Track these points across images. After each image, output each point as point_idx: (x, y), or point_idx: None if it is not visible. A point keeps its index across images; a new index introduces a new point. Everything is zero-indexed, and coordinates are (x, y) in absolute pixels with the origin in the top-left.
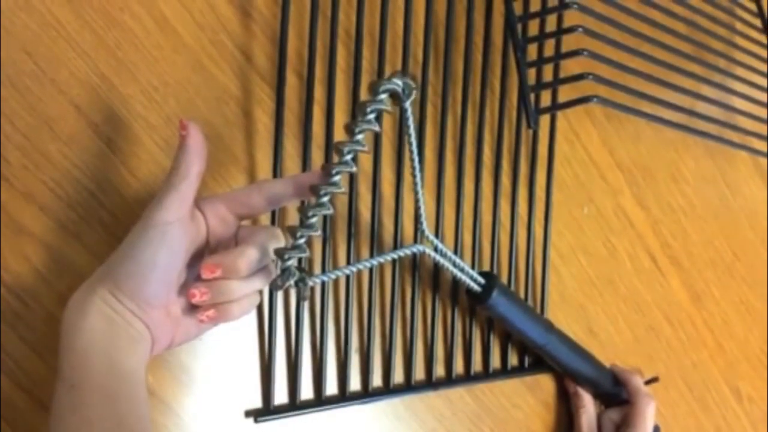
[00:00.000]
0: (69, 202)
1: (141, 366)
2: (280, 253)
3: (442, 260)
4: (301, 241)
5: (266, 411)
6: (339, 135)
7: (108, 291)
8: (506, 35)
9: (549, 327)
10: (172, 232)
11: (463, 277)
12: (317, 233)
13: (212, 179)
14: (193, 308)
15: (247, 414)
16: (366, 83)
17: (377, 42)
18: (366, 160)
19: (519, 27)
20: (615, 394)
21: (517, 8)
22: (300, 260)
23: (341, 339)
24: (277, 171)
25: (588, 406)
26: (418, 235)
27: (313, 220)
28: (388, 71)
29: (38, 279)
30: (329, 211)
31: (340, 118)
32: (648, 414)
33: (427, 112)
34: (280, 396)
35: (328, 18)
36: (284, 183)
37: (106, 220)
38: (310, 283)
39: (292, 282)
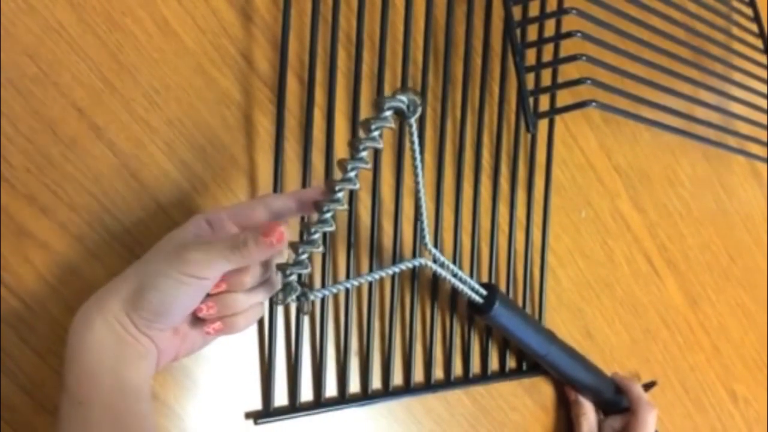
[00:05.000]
0: (71, 204)
1: (147, 381)
2: (282, 268)
3: (443, 273)
4: (303, 257)
5: (266, 413)
6: (340, 138)
7: (124, 312)
8: (505, 40)
9: (550, 337)
10: (206, 286)
11: (465, 289)
12: (319, 249)
13: (213, 182)
14: (198, 321)
15: (247, 416)
16: (366, 87)
17: (377, 46)
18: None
19: (518, 32)
20: (616, 402)
21: (516, 13)
22: (301, 275)
23: (341, 341)
24: (277, 174)
25: (589, 414)
26: (419, 247)
27: (316, 236)
28: (388, 75)
29: (40, 281)
30: (331, 228)
31: (341, 121)
32: (650, 422)
33: (426, 116)
34: (280, 398)
35: (329, 22)
36: (287, 198)
37: (108, 223)
38: (312, 298)
39: (293, 297)
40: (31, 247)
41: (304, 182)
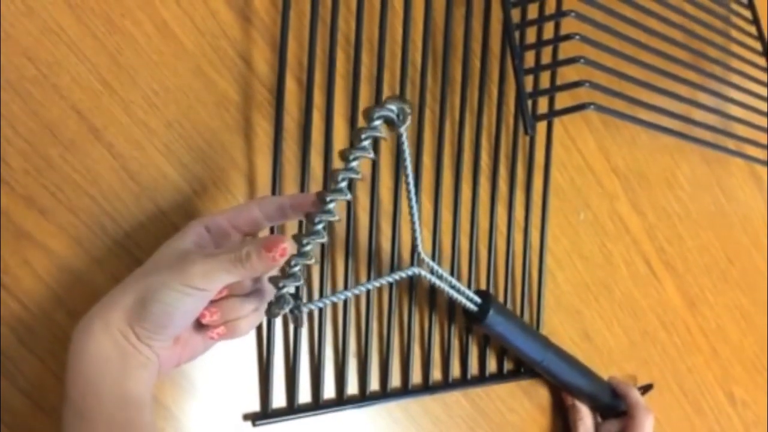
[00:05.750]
0: (70, 206)
1: (149, 391)
2: (274, 281)
3: (438, 282)
4: (296, 269)
5: (264, 414)
6: (338, 140)
7: (126, 323)
8: (504, 42)
9: (546, 343)
10: (208, 297)
11: (460, 298)
12: (311, 262)
13: (212, 184)
14: (201, 327)
15: (246, 417)
16: (365, 89)
17: (376, 48)
18: (365, 165)
19: (517, 34)
20: (613, 406)
21: (515, 16)
22: (297, 288)
23: (339, 343)
24: (276, 176)
25: (585, 419)
26: (415, 257)
27: (308, 248)
28: (387, 77)
29: (39, 283)
30: (324, 240)
31: (340, 123)
32: (647, 426)
33: (425, 117)
34: (278, 399)
35: (328, 24)
36: (283, 200)
37: (106, 225)
38: (305, 310)
39: (287, 310)
40: (30, 249)
41: (303, 184)
